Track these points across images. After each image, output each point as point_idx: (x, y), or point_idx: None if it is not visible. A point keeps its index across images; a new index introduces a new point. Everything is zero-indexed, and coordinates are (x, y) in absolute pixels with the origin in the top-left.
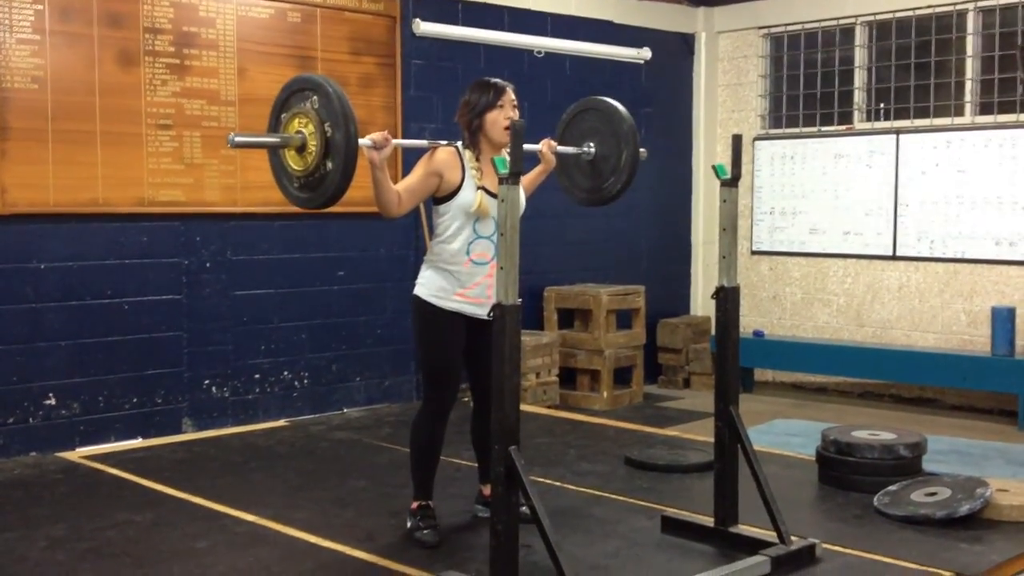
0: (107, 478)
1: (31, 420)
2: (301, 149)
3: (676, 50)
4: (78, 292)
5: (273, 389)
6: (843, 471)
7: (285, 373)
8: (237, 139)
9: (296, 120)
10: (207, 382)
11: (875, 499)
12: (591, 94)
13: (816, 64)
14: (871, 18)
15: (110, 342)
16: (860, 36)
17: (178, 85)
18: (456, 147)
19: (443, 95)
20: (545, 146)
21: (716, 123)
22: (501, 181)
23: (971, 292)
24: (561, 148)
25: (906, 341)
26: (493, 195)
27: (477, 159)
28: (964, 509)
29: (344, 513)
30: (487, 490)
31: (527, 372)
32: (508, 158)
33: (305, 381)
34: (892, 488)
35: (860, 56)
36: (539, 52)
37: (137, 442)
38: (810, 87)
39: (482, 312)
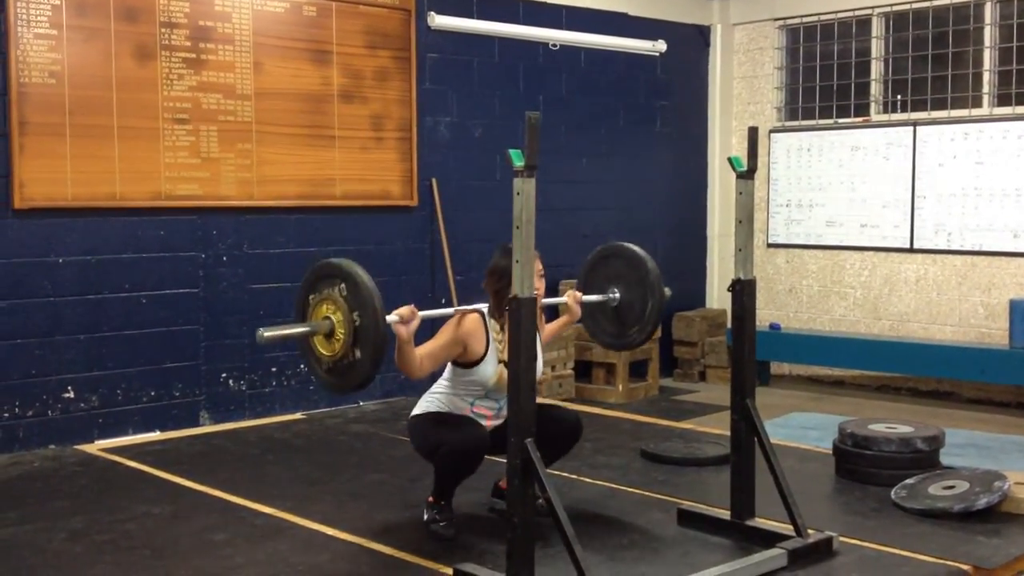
0: (125, 471)
1: (50, 413)
2: (329, 335)
3: (691, 42)
4: (96, 286)
5: (290, 382)
6: (860, 464)
7: (301, 366)
8: (266, 335)
9: (324, 305)
10: (224, 375)
11: (892, 492)
12: (606, 87)
13: (832, 56)
14: (888, 9)
15: (128, 335)
16: (877, 27)
17: (194, 79)
18: (482, 314)
19: (458, 88)
20: (570, 298)
21: (732, 115)
22: (516, 174)
23: (989, 285)
24: (586, 298)
25: (923, 334)
26: None
27: (502, 328)
28: (982, 502)
29: (360, 506)
30: (504, 483)
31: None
32: (524, 151)
33: None
34: (909, 481)
35: (877, 47)
36: (554, 45)
37: (155, 435)
38: (826, 79)
39: None
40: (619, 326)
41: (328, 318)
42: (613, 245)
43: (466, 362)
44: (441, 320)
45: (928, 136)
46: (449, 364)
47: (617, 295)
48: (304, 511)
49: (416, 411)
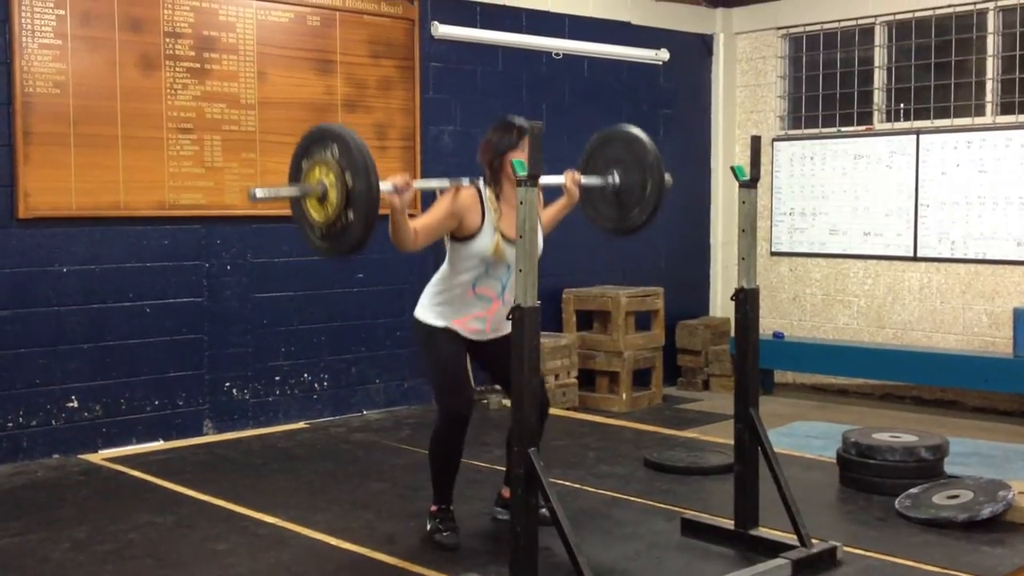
0: (129, 480)
1: (54, 422)
2: (322, 199)
3: (694, 51)
4: (100, 295)
5: (293, 391)
6: (864, 473)
7: (305, 375)
8: (259, 193)
9: (317, 169)
10: (228, 384)
11: (896, 502)
12: (609, 96)
13: (835, 64)
14: (890, 18)
15: (132, 345)
16: (879, 36)
17: (198, 89)
18: (478, 186)
19: (461, 97)
20: (569, 179)
21: (735, 124)
22: (519, 183)
23: (993, 293)
24: (585, 180)
25: (927, 343)
26: (510, 240)
27: (497, 198)
28: (986, 512)
29: (364, 515)
30: (507, 492)
31: (546, 374)
32: (526, 161)
33: (325, 383)
34: (914, 491)
35: (879, 56)
36: (557, 54)
37: (159, 444)
38: (829, 87)
39: (481, 339)
40: (620, 210)
41: (321, 182)
42: (611, 129)
43: (463, 236)
44: (436, 192)
45: (931, 144)
46: (449, 245)
47: (616, 178)
48: (307, 521)
49: (421, 312)
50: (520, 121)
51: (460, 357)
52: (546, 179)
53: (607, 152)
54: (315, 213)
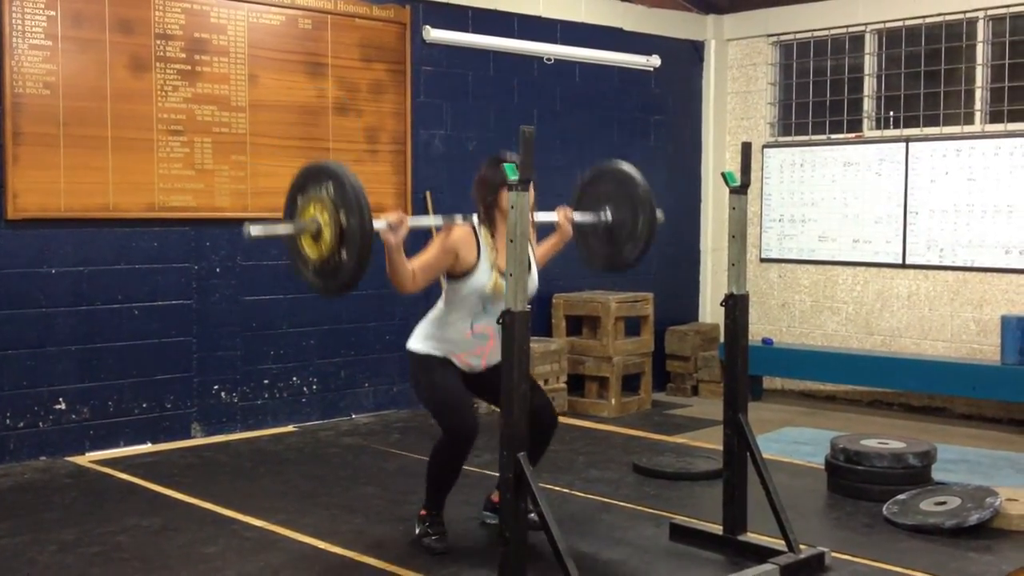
0: (116, 483)
1: (41, 424)
2: (316, 236)
3: (685, 57)
4: (88, 297)
5: (282, 395)
6: (852, 480)
7: (294, 379)
8: (253, 231)
9: (312, 206)
10: (216, 387)
11: (884, 508)
12: (601, 101)
13: (825, 72)
14: (881, 26)
15: (120, 347)
16: (870, 44)
17: (189, 91)
18: (472, 223)
19: (452, 102)
20: (562, 216)
21: (725, 130)
22: (510, 188)
23: (981, 301)
24: (578, 217)
25: (915, 350)
26: None
27: (492, 236)
28: (973, 518)
29: (352, 519)
30: (496, 496)
31: (535, 379)
32: (518, 165)
33: (314, 387)
34: (901, 497)
35: (870, 64)
36: (549, 59)
37: (146, 447)
38: (819, 95)
39: (475, 371)
40: (612, 245)
41: (315, 219)
42: (601, 166)
43: (460, 273)
44: (431, 230)
45: (920, 152)
46: (446, 285)
47: (608, 215)
48: (295, 524)
49: (415, 345)
50: (512, 156)
51: (458, 380)
52: (540, 216)
53: (598, 188)
54: (309, 250)
